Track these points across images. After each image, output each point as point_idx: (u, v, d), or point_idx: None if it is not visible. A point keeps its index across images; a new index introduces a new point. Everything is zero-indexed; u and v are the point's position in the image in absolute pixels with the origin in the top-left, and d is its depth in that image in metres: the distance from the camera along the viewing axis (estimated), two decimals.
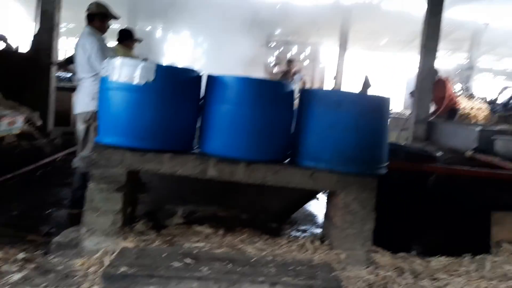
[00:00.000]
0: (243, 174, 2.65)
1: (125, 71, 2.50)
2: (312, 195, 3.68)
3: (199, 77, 2.75)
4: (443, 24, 12.41)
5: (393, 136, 8.14)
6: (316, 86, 15.66)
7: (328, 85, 15.37)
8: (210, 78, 2.73)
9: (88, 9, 3.79)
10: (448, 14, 13.06)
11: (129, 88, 2.50)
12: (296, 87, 9.41)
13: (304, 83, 11.05)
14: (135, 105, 2.52)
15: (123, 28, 5.40)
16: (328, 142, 2.63)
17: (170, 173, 2.64)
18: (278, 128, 2.70)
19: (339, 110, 2.61)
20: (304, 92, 2.83)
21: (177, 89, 2.60)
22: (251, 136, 2.62)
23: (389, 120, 2.87)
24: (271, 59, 15.33)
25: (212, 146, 2.70)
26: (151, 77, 2.48)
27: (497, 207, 3.80)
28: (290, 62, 10.58)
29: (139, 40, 5.37)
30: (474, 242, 3.23)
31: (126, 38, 5.17)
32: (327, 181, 2.69)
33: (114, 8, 3.97)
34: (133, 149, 2.57)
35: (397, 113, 10.41)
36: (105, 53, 3.61)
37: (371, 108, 2.68)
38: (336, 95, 2.75)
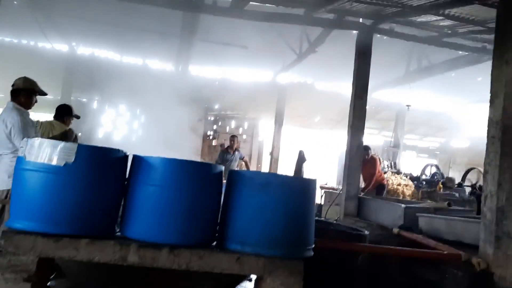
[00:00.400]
0: (166, 260, 2.53)
1: (43, 152, 2.40)
2: (242, 277, 3.57)
3: (124, 158, 2.69)
4: (371, 104, 13.32)
5: (326, 211, 8.35)
6: (254, 160, 15.92)
7: (265, 160, 15.68)
8: (135, 158, 2.68)
9: (13, 84, 3.69)
10: (375, 95, 14.20)
11: (46, 169, 2.39)
12: (235, 164, 9.43)
13: (246, 163, 11.07)
14: (52, 187, 2.40)
15: (62, 104, 5.32)
16: (254, 225, 2.62)
17: (87, 260, 2.47)
18: (204, 211, 2.66)
19: (265, 192, 2.63)
20: (231, 173, 2.85)
21: (99, 170, 2.52)
22: (175, 219, 2.55)
23: (314, 201, 2.93)
24: (210, 133, 15.52)
25: (135, 230, 2.59)
26: (71, 158, 2.40)
27: (422, 285, 3.90)
28: (233, 137, 10.71)
29: (77, 117, 5.29)
30: None
31: (65, 114, 5.06)
32: (254, 266, 2.63)
33: (49, 78, 3.92)
34: (47, 234, 2.40)
35: (331, 187, 10.73)
36: (28, 130, 3.48)
37: (297, 190, 2.73)
38: (263, 177, 2.78)
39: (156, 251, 2.53)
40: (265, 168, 15.37)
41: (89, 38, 11.53)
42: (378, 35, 7.65)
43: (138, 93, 11.54)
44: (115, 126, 13.26)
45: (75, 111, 5.25)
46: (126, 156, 2.72)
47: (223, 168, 2.86)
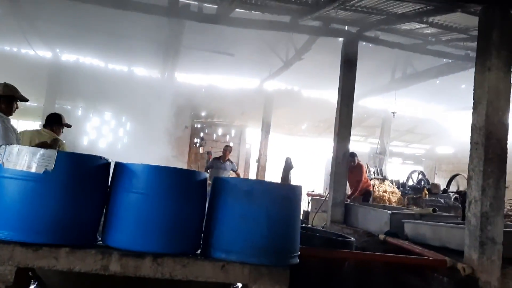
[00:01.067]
0: (149, 269, 2.48)
1: (22, 159, 2.35)
2: (228, 286, 3.53)
3: (106, 165, 2.64)
4: (357, 112, 13.40)
5: (312, 218, 8.33)
6: (241, 167, 15.87)
7: (252, 167, 15.65)
8: (118, 165, 2.63)
9: None
10: (362, 102, 14.31)
11: (25, 177, 2.33)
12: (226, 173, 9.31)
13: (238, 176, 10.94)
14: (31, 195, 2.34)
15: (52, 112, 5.22)
16: (239, 233, 2.59)
17: (67, 269, 2.41)
18: (188, 219, 2.61)
19: (250, 200, 2.60)
20: (215, 180, 2.81)
21: (80, 178, 2.47)
22: (158, 227, 2.51)
23: (300, 208, 2.91)
24: (197, 140, 15.45)
25: (117, 239, 2.54)
26: (51, 165, 2.34)
27: None
28: (226, 147, 10.60)
29: (68, 126, 5.19)
30: None
31: (54, 122, 4.96)
32: (239, 274, 2.60)
33: (32, 85, 3.84)
34: (25, 243, 2.33)
35: (318, 194, 10.73)
36: (9, 136, 3.41)
37: (282, 197, 2.71)
38: (247, 184, 2.75)
39: (139, 260, 2.48)
40: (252, 175, 15.34)
41: (73, 44, 11.42)
42: (364, 43, 7.72)
43: (124, 101, 11.48)
44: (100, 133, 13.13)
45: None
46: (108, 163, 2.67)
47: (207, 175, 2.82)
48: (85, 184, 2.49)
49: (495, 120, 3.72)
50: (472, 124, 3.90)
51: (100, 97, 12.20)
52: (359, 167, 9.69)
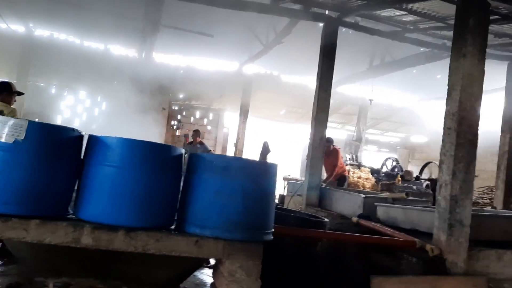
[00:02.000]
0: (122, 242, 2.47)
1: None
2: (201, 262, 3.54)
3: (79, 137, 2.59)
4: (335, 99, 13.47)
5: (288, 201, 8.41)
6: (218, 151, 15.83)
7: (230, 151, 15.64)
8: (91, 138, 2.59)
9: None
10: (340, 89, 14.41)
11: None
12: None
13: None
14: (1, 165, 2.28)
15: (0, 80, 4.97)
16: (214, 208, 2.59)
17: (37, 241, 2.37)
18: (162, 193, 2.60)
19: (225, 176, 2.60)
20: (191, 156, 2.80)
21: (51, 149, 2.41)
22: (132, 201, 2.48)
23: (276, 185, 2.93)
24: (174, 122, 15.30)
25: (89, 212, 2.50)
26: (21, 135, 2.28)
27: (380, 272, 3.98)
28: (195, 131, 10.63)
29: (20, 93, 4.96)
30: None
31: (4, 90, 4.72)
32: (213, 249, 2.61)
33: (4, 61, 3.70)
34: None
35: (294, 178, 10.82)
36: None
37: (257, 174, 2.72)
38: (223, 160, 2.75)
39: (111, 233, 2.46)
40: None
41: (47, 19, 11.06)
42: (344, 29, 7.73)
43: (99, 79, 11.24)
44: (74, 112, 12.85)
45: (31, 94, 4.97)
46: (81, 136, 2.62)
47: (183, 150, 2.80)
48: (56, 155, 2.43)
49: (468, 106, 3.79)
50: (446, 110, 3.97)
51: (75, 75, 11.91)
52: (335, 152, 9.81)
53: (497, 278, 3.64)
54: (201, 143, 10.45)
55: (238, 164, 2.76)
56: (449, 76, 3.98)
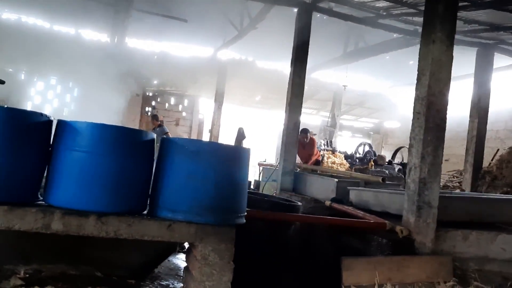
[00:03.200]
0: (93, 228, 2.45)
1: None
2: (175, 247, 3.56)
3: (47, 122, 2.54)
4: (309, 85, 13.51)
5: (263, 186, 8.47)
6: (193, 137, 15.76)
7: (205, 137, 15.58)
8: (60, 123, 2.54)
9: None
10: (314, 75, 14.49)
11: None
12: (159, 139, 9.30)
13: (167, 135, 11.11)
14: None
15: None
16: (186, 192, 2.59)
17: (6, 228, 2.33)
18: (133, 178, 2.58)
19: (197, 160, 2.60)
20: (163, 140, 2.79)
21: (19, 134, 2.35)
22: (103, 186, 2.46)
23: (249, 169, 2.95)
24: (148, 109, 15.12)
25: (59, 197, 2.47)
26: None
27: (351, 253, 4.08)
28: (153, 117, 10.64)
29: (1, 82, 4.84)
30: None
31: None
32: (185, 233, 2.62)
33: None
34: None
35: (269, 164, 10.87)
36: None
37: (229, 158, 2.73)
38: (194, 144, 2.75)
39: (82, 219, 2.43)
40: None
41: (15, 2, 10.68)
42: (318, 15, 7.76)
43: (70, 65, 10.96)
44: (45, 99, 12.53)
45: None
46: (50, 121, 2.57)
47: (154, 135, 2.79)
48: (24, 140, 2.38)
49: (436, 91, 3.88)
50: (415, 94, 4.05)
51: (45, 60, 11.58)
52: (312, 141, 9.94)
53: (463, 257, 3.78)
54: (159, 126, 10.47)
55: (210, 148, 2.77)
56: (418, 61, 4.06)
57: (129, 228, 2.51)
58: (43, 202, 2.54)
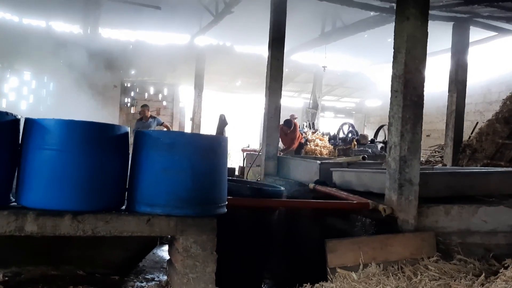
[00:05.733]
0: (69, 227, 2.39)
1: None
2: (157, 240, 3.52)
3: (14, 121, 2.45)
4: (289, 67, 13.42)
5: (247, 172, 8.46)
6: (175, 126, 15.62)
7: (187, 126, 15.46)
8: (28, 122, 2.45)
9: None
10: (294, 57, 14.40)
11: None
12: (153, 130, 9.13)
13: (166, 127, 10.92)
14: None
15: None
16: (163, 186, 2.54)
17: None
18: (108, 175, 2.51)
19: (172, 152, 2.54)
20: (137, 134, 2.71)
21: None
22: (76, 184, 2.39)
23: (227, 159, 2.90)
24: (127, 100, 14.88)
25: (32, 198, 2.40)
26: None
27: (336, 235, 4.10)
28: (144, 106, 10.40)
29: None
30: (315, 271, 3.40)
31: None
32: (165, 226, 2.57)
33: None
34: None
35: (252, 149, 10.86)
36: None
37: (205, 148, 2.67)
38: (169, 136, 2.68)
39: (57, 219, 2.37)
40: None
41: None
42: None
43: (44, 59, 10.68)
44: (20, 95, 12.22)
45: None
46: (17, 120, 2.48)
47: (128, 128, 2.71)
48: None
49: (413, 68, 3.86)
50: (392, 72, 4.03)
51: (17, 55, 11.27)
52: (295, 126, 9.94)
53: (446, 232, 3.81)
54: (153, 117, 10.27)
55: (185, 139, 2.70)
56: (394, 39, 4.03)
57: (107, 225, 2.45)
58: (16, 204, 2.46)
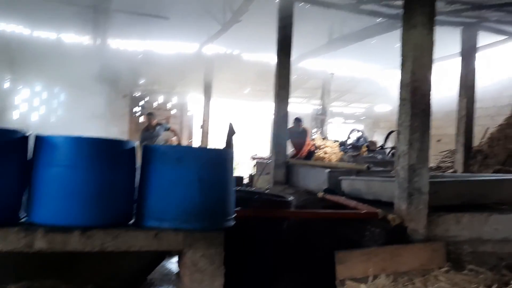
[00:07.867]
0: (78, 243, 2.41)
1: None
2: (164, 255, 3.52)
3: (23, 138, 2.48)
4: (298, 74, 13.42)
5: (257, 181, 8.47)
6: (185, 134, 15.69)
7: (196, 134, 15.51)
8: (37, 138, 2.49)
9: None
10: (302, 64, 14.41)
11: None
12: (161, 138, 9.16)
13: (174, 132, 10.92)
14: None
15: None
16: (171, 200, 2.56)
17: None
18: (116, 189, 2.54)
19: (180, 166, 2.56)
20: (144, 149, 2.74)
21: None
22: (85, 200, 2.42)
23: (233, 171, 2.91)
24: (137, 109, 14.99)
25: (42, 215, 2.43)
26: None
27: (345, 245, 4.07)
28: (149, 115, 10.45)
29: None
30: (325, 283, 3.38)
31: None
32: (173, 240, 2.58)
33: None
34: None
35: (262, 157, 10.85)
36: None
37: (213, 162, 2.69)
38: (176, 151, 2.70)
39: (66, 235, 2.39)
40: (196, 142, 15.24)
41: None
42: (300, 4, 7.68)
43: (55, 70, 10.81)
44: (31, 106, 12.36)
45: None
46: (26, 137, 2.51)
47: (135, 143, 2.74)
48: None
49: (420, 76, 3.85)
50: (400, 81, 4.02)
51: (28, 67, 11.42)
52: (305, 131, 9.96)
53: (457, 241, 3.77)
54: (159, 124, 10.28)
55: (192, 154, 2.72)
56: (401, 47, 4.03)
57: (115, 241, 2.47)
58: (26, 220, 2.49)
